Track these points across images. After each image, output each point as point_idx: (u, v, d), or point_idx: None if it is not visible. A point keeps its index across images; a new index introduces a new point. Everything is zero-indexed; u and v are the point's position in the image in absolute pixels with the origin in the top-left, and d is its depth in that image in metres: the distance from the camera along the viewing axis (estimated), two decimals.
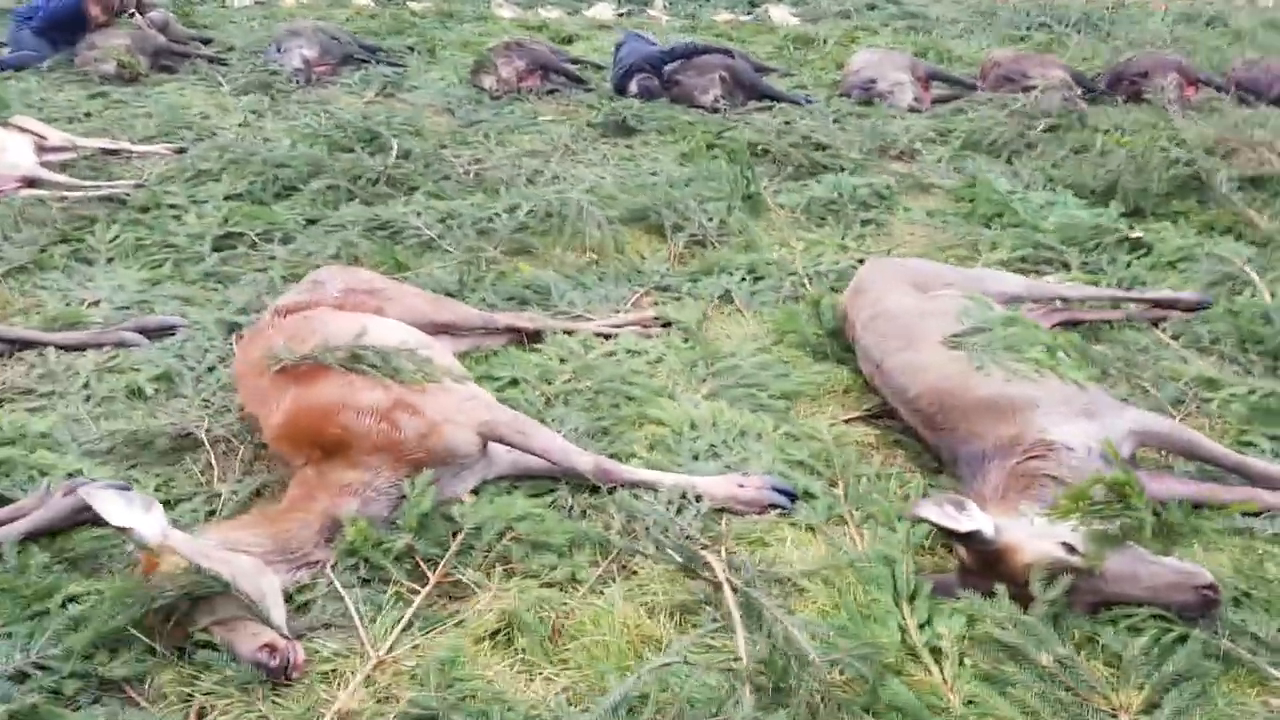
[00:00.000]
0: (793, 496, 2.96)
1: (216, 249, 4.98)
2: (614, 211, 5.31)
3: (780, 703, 2.14)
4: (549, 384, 3.64)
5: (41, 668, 2.29)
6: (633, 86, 8.80)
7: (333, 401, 2.97)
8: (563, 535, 2.75)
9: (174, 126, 7.17)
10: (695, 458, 3.17)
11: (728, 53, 9.26)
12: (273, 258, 4.94)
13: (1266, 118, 7.89)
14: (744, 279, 4.72)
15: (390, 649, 2.39)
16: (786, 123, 7.57)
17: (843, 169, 6.40)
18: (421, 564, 2.69)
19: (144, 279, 4.66)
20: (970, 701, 2.19)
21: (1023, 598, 2.44)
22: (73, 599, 2.50)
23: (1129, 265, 4.80)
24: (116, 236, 5.03)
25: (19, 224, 5.18)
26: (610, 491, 2.95)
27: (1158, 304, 4.20)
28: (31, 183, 5.81)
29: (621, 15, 14.38)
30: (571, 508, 2.93)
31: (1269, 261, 4.68)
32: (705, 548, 2.70)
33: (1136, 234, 5.03)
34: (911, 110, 8.40)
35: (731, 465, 3.12)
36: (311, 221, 5.41)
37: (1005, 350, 3.17)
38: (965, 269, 4.20)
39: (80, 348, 3.94)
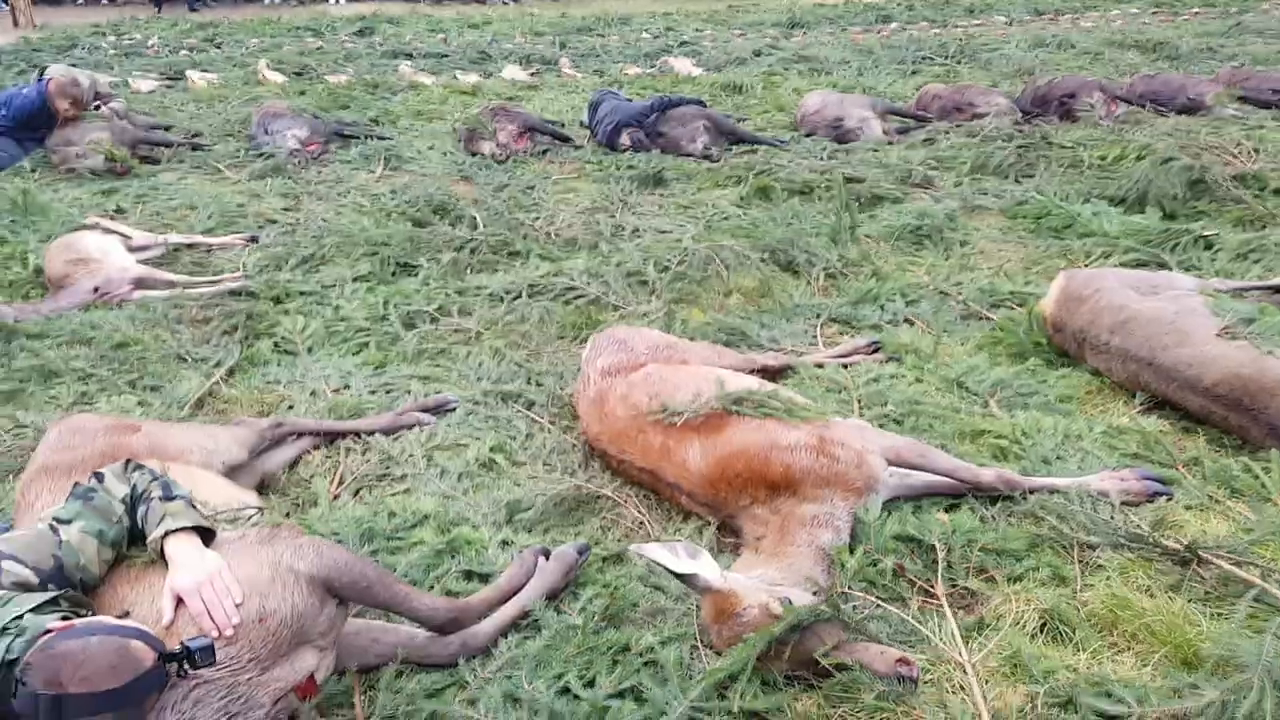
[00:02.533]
0: (1164, 483, 3.30)
1: (407, 327, 4.96)
2: (754, 254, 5.57)
3: None
4: (851, 413, 3.86)
5: (698, 708, 2.39)
6: (624, 140, 9.07)
7: (762, 443, 3.13)
8: (1018, 540, 3.00)
9: (230, 216, 6.97)
10: (1045, 461, 3.47)
11: (700, 103, 9.67)
12: (457, 330, 4.97)
13: (1193, 125, 8.88)
14: (909, 303, 5.06)
15: (971, 654, 2.59)
16: (785, 162, 7.97)
17: (897, 199, 6.87)
18: (915, 581, 2.89)
19: (362, 362, 4.61)
20: None
21: None
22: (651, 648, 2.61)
23: (1213, 260, 5.40)
24: (305, 327, 4.94)
25: (172, 326, 5.01)
26: (1012, 497, 3.21)
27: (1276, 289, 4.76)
28: (140, 283, 5.59)
29: (533, 74, 14.59)
30: (993, 517, 3.17)
31: None
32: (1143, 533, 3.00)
33: (1211, 232, 5.66)
34: (882, 144, 8.98)
35: (1081, 465, 3.43)
36: (460, 293, 5.43)
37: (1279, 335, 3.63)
38: (1149, 273, 4.65)
39: (390, 431, 3.91)
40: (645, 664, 2.59)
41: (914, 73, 13.36)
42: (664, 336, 4.06)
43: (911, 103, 10.52)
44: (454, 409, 4.11)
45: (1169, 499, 3.23)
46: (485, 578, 3.02)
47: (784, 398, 3.36)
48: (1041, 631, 2.69)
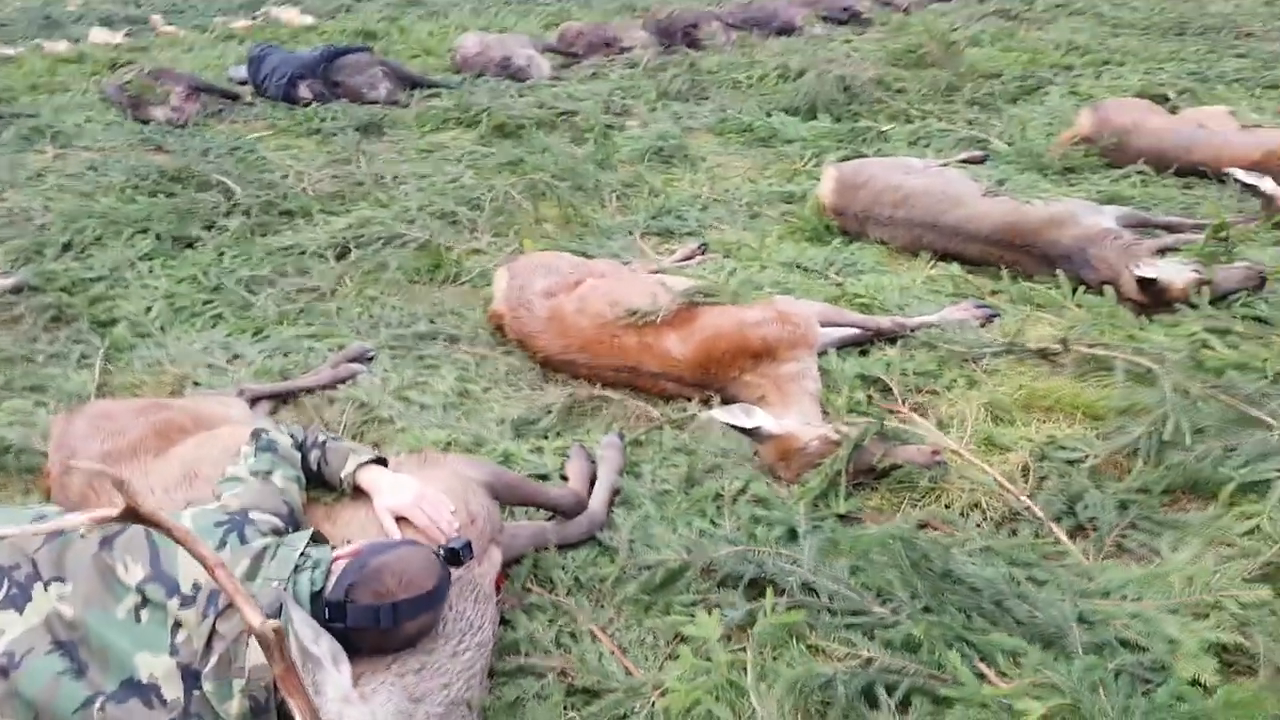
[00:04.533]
0: (991, 308, 4.31)
1: (251, 293, 4.85)
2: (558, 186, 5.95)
3: None
4: None
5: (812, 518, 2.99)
6: (303, 92, 8.90)
7: (735, 324, 3.70)
8: (931, 363, 3.85)
9: None
10: (900, 308, 4.35)
11: (368, 50, 9.70)
12: (301, 290, 4.94)
13: (799, 45, 10.33)
14: (701, 209, 5.77)
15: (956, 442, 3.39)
16: (487, 101, 8.29)
17: (622, 127, 7.52)
18: (880, 405, 3.65)
19: (231, 332, 4.51)
20: None
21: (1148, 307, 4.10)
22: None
23: (895, 149, 6.60)
24: (149, 308, 4.67)
25: None
26: (905, 336, 4.06)
27: (968, 161, 6.05)
28: None
29: (127, 35, 13.39)
30: (887, 351, 4.00)
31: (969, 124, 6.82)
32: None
33: (888, 127, 6.92)
34: (554, 79, 9.55)
35: (922, 308, 4.36)
36: (270, 254, 5.34)
37: (1029, 190, 4.78)
38: (895, 159, 5.69)
39: (334, 384, 3.95)
40: (746, 501, 3.11)
41: (527, 12, 13.89)
42: (575, 258, 4.44)
43: (552, 40, 11.09)
44: (373, 357, 4.22)
45: (1000, 318, 4.24)
46: (545, 477, 3.35)
47: (722, 288, 3.94)
48: (990, 419, 3.55)
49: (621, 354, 3.81)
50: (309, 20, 13.67)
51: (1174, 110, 6.60)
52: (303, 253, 5.35)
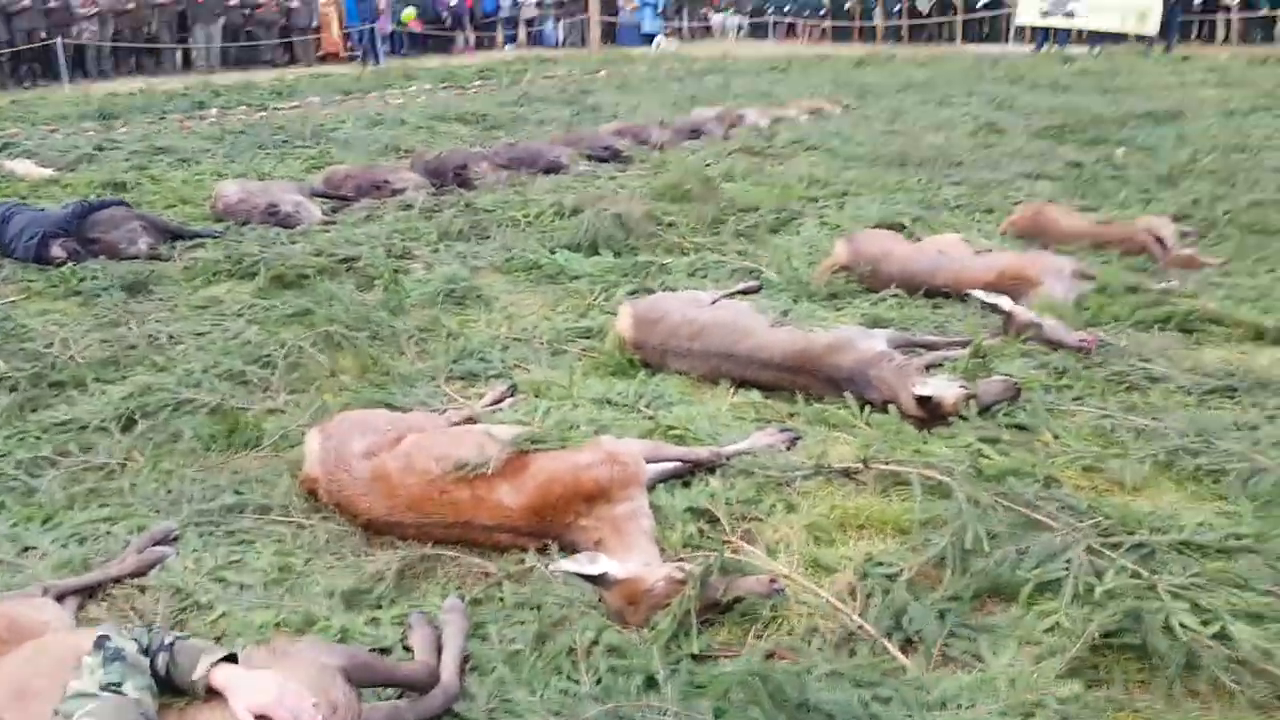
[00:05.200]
0: (794, 432, 4.57)
1: (31, 475, 4.45)
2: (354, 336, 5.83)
3: None
4: None
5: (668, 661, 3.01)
6: (56, 252, 8.34)
7: (567, 468, 3.74)
8: (751, 490, 4.02)
9: None
10: (712, 437, 4.51)
11: (123, 203, 9.31)
12: (86, 468, 4.57)
13: (568, 181, 10.75)
14: (502, 350, 5.82)
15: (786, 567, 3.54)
16: (258, 251, 8.08)
17: (407, 270, 7.51)
18: (711, 536, 3.77)
19: (19, 520, 4.08)
20: None
21: (926, 422, 4.51)
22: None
23: (677, 282, 6.95)
24: None
25: None
26: (722, 465, 4.23)
27: (744, 292, 6.45)
28: None
29: None
30: (710, 482, 4.15)
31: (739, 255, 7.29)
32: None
33: (667, 260, 7.27)
34: (326, 224, 9.43)
35: (731, 436, 4.57)
36: (45, 431, 4.93)
37: (809, 319, 5.15)
38: (686, 293, 5.96)
39: (141, 572, 3.66)
40: (601, 652, 3.11)
41: (285, 156, 13.65)
42: (390, 413, 4.36)
43: (318, 184, 10.92)
44: (178, 537, 3.96)
45: (803, 440, 4.51)
46: (387, 650, 3.22)
47: (548, 434, 3.98)
48: (812, 541, 3.74)
49: (453, 510, 3.76)
50: (48, 173, 12.84)
51: (913, 237, 7.32)
52: (83, 427, 4.95)
